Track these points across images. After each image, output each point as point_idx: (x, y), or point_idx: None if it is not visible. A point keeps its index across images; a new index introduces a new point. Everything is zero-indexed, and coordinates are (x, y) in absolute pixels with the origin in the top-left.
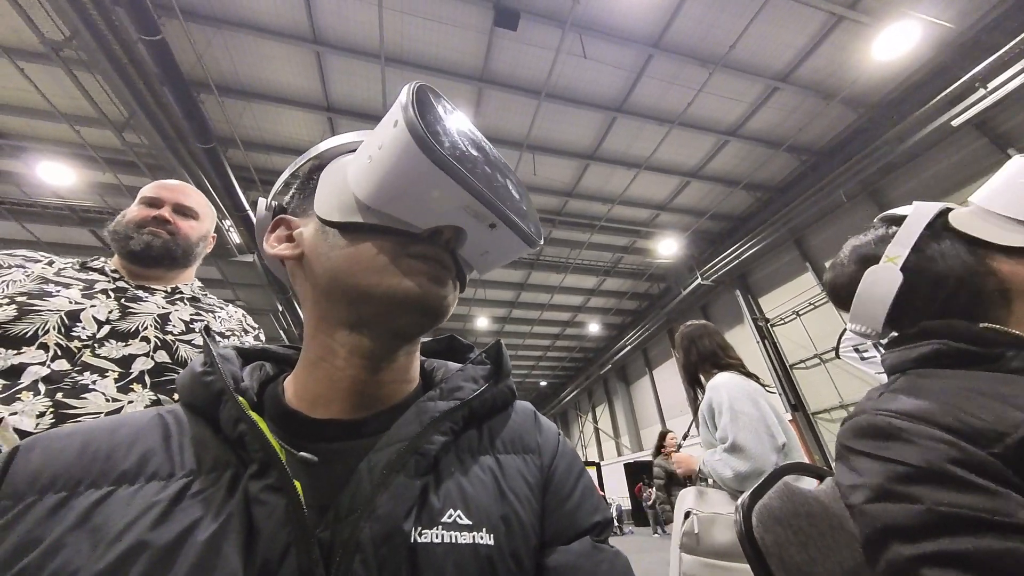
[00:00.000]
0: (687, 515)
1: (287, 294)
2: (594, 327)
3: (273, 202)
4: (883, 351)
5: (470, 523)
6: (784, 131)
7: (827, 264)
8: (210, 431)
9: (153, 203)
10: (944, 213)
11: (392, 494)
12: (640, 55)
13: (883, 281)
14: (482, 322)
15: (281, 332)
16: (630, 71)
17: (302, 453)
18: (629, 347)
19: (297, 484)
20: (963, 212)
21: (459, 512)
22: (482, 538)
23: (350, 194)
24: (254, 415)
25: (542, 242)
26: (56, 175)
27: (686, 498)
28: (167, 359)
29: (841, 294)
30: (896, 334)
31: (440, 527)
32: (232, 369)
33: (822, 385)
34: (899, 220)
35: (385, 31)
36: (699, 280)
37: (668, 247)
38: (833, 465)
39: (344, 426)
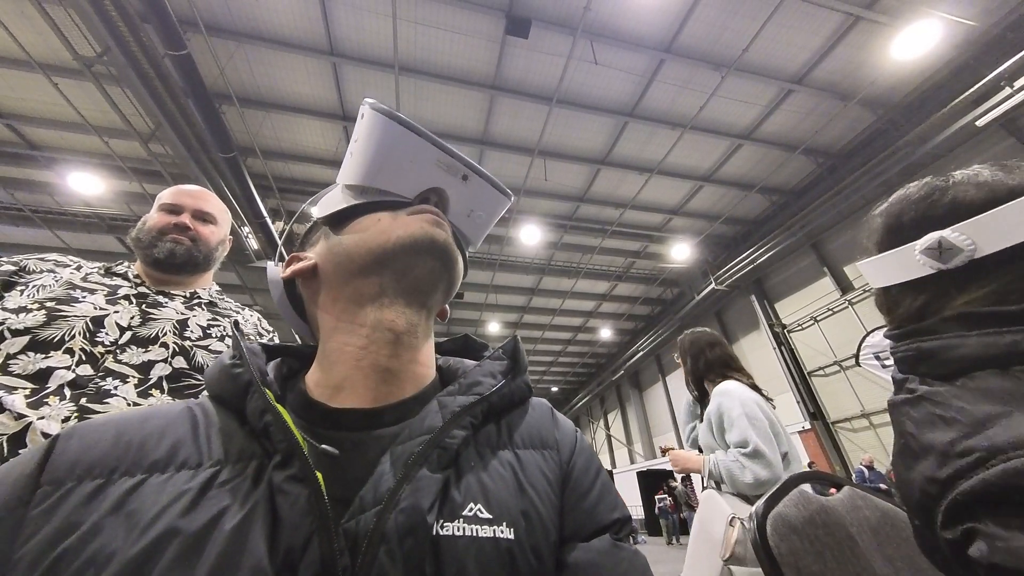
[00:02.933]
0: (731, 521)
1: None
2: (606, 332)
3: (282, 259)
4: (932, 336)
5: (490, 517)
6: (800, 134)
7: (905, 193)
8: (236, 422)
9: (173, 210)
10: None
11: (415, 487)
12: (651, 60)
13: None
14: (494, 327)
15: (297, 337)
16: (641, 76)
17: (324, 446)
18: (642, 353)
19: (319, 475)
20: None
21: (479, 506)
22: (502, 532)
23: (342, 191)
24: (279, 407)
25: (513, 198)
26: (86, 185)
27: (720, 501)
28: (184, 365)
29: (958, 203)
30: (960, 311)
31: (461, 520)
32: (259, 363)
33: (842, 393)
34: None
35: (399, 41)
36: (713, 285)
37: (681, 252)
38: (966, 511)
39: (363, 415)
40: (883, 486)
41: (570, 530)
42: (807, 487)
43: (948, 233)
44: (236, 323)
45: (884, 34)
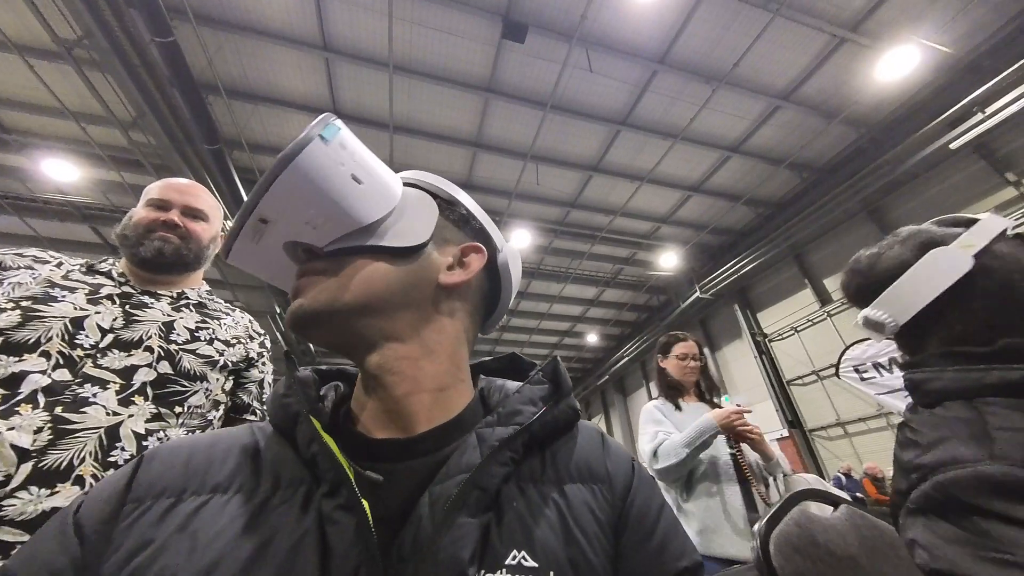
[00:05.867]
0: None
1: (285, 296)
2: (592, 338)
3: None
4: (919, 369)
5: (536, 566)
6: (786, 148)
7: (858, 256)
8: (289, 450)
9: (161, 205)
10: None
11: (454, 536)
12: (645, 70)
13: (947, 265)
14: None
15: (278, 335)
16: (635, 86)
17: (368, 472)
18: (627, 359)
19: (365, 503)
20: None
21: (524, 553)
22: None
23: None
24: (326, 436)
25: (327, 124)
26: (60, 171)
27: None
28: (169, 370)
29: (875, 278)
30: (922, 352)
31: (504, 571)
32: (309, 392)
33: (820, 402)
34: (963, 222)
35: (394, 40)
36: (698, 294)
37: (668, 260)
38: (911, 519)
39: (398, 445)
40: (859, 495)
41: None
42: (807, 505)
43: (869, 312)
44: (288, 353)
45: (867, 56)
